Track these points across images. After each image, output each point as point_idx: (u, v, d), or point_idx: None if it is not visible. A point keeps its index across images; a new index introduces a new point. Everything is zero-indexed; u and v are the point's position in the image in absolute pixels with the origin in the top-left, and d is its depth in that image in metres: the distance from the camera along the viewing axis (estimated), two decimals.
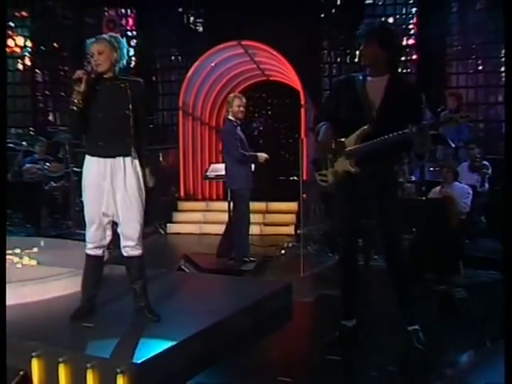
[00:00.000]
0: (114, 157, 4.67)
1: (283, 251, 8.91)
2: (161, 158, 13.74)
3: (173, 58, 16.45)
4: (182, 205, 11.77)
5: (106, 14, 15.12)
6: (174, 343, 4.35)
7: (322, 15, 15.21)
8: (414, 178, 9.30)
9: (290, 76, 11.58)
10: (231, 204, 8.09)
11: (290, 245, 9.11)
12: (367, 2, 15.15)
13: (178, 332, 4.56)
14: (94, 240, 4.85)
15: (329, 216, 8.65)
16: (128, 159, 4.71)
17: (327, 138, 4.69)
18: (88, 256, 4.91)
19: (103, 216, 4.77)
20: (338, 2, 15.15)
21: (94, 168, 4.71)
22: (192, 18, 16.20)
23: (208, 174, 9.62)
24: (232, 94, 8.27)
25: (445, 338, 5.13)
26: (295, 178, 10.06)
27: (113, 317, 4.93)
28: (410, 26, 14.96)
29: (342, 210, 4.87)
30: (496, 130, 13.75)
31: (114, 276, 6.42)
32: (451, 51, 14.57)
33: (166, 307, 5.05)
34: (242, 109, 7.81)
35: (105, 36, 4.81)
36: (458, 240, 7.40)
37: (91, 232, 4.83)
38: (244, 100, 7.90)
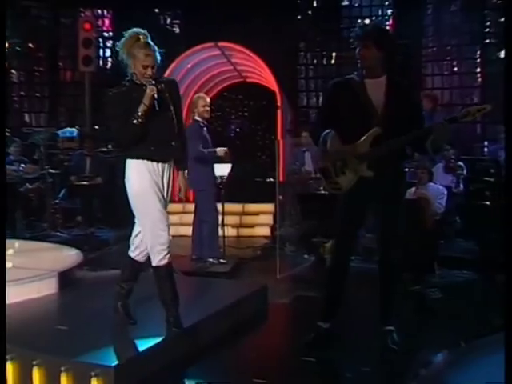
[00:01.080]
0: (164, 161, 4.63)
1: (259, 253, 8.93)
2: None
3: None
4: None
5: (82, 14, 15.01)
6: (149, 346, 4.36)
7: (299, 17, 15.26)
8: None
9: (266, 77, 11.60)
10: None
11: (267, 246, 9.14)
12: (343, 3, 15.24)
13: (154, 335, 4.56)
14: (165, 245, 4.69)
15: (305, 217, 8.70)
16: (168, 164, 4.68)
17: (335, 146, 4.60)
18: (161, 268, 4.74)
19: (165, 218, 4.68)
20: (315, 4, 15.22)
21: (146, 173, 4.61)
22: (169, 19, 16.18)
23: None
24: (196, 95, 8.38)
25: (419, 338, 5.18)
26: (272, 179, 10.09)
27: (88, 319, 4.92)
28: (386, 28, 15.07)
29: (347, 213, 4.82)
30: (471, 131, 13.86)
31: (90, 277, 6.42)
32: (427, 52, 14.67)
33: (141, 310, 5.05)
34: (207, 108, 7.90)
35: (151, 46, 4.61)
36: (432, 240, 7.47)
37: (160, 239, 4.66)
38: (208, 100, 8.04)
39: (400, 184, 4.89)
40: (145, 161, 4.60)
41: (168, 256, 4.71)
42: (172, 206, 11.60)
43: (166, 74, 11.81)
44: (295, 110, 13.62)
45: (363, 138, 4.59)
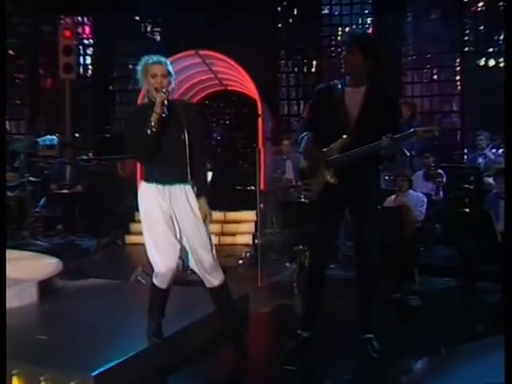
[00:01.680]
0: (171, 183, 4.59)
1: (241, 261, 8.92)
2: (118, 168, 13.66)
3: (130, 66, 16.37)
4: (139, 215, 11.68)
5: (63, 21, 14.98)
6: (130, 355, 4.35)
7: (280, 25, 15.33)
8: None
9: (247, 86, 11.62)
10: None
11: (248, 255, 9.13)
12: (324, 12, 15.31)
13: (135, 344, 4.55)
14: (164, 271, 4.69)
15: (286, 225, 8.70)
16: (188, 186, 4.63)
17: (309, 148, 4.77)
18: (155, 288, 4.77)
19: (168, 245, 4.65)
20: (295, 12, 15.28)
21: (152, 196, 4.61)
22: (149, 27, 16.18)
23: None
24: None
25: (400, 345, 5.19)
26: (253, 187, 10.10)
27: (68, 329, 4.90)
28: None
29: (319, 219, 4.89)
30: (451, 138, 13.97)
31: (70, 286, 6.39)
32: (406, 60, 14.78)
33: (121, 319, 5.04)
34: None
35: (161, 58, 4.60)
36: (412, 248, 7.48)
37: (161, 262, 4.67)
38: None
39: (370, 192, 4.88)
40: (150, 183, 4.62)
41: (165, 280, 4.74)
42: None
43: None
44: (276, 118, 13.66)
45: (332, 145, 4.71)
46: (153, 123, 4.41)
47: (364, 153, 4.60)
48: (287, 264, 8.39)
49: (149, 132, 4.41)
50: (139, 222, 12.35)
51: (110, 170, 13.26)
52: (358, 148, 4.60)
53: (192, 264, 4.78)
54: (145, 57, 4.62)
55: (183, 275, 7.71)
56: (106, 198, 11.80)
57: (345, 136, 4.65)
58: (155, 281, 4.76)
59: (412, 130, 4.63)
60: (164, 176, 4.58)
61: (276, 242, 9.21)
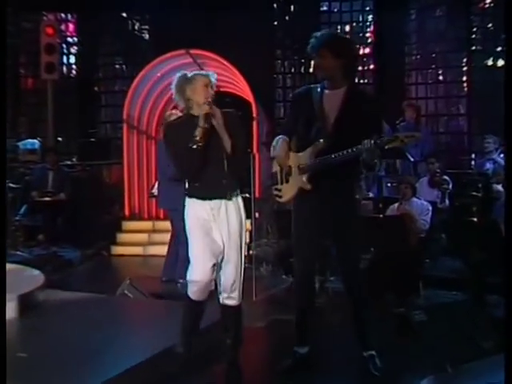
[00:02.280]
0: (211, 199, 4.70)
1: None
2: (104, 174, 13.66)
3: (117, 66, 16.39)
4: (127, 225, 11.69)
5: (45, 18, 14.98)
6: (118, 372, 4.34)
7: (275, 23, 15.35)
8: (371, 195, 9.40)
9: (241, 87, 11.63)
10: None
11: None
12: (322, 9, 15.33)
13: (123, 360, 4.55)
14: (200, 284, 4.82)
15: (282, 235, 8.69)
16: (230, 199, 4.74)
17: (282, 152, 4.75)
18: (190, 300, 4.89)
19: (211, 257, 4.76)
20: (292, 9, 15.30)
21: (194, 211, 4.73)
22: (137, 25, 16.19)
23: (154, 191, 9.61)
24: (168, 112, 8.40)
25: (403, 363, 5.19)
26: (247, 195, 10.09)
27: (49, 346, 4.90)
28: (367, 34, 15.17)
29: (298, 228, 4.90)
30: (457, 142, 13.99)
31: (53, 300, 6.38)
32: (410, 60, 14.79)
33: (107, 336, 5.03)
34: None
35: (208, 71, 4.87)
36: (417, 259, 7.49)
37: (198, 275, 4.80)
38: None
39: (346, 200, 4.86)
40: (194, 199, 4.74)
41: (201, 294, 4.86)
42: (141, 224, 11.70)
43: (133, 84, 11.85)
44: (272, 122, 13.67)
45: (307, 150, 4.74)
46: (198, 137, 4.51)
47: (341, 158, 4.58)
48: (284, 276, 8.38)
49: (194, 146, 4.51)
50: (126, 231, 12.39)
51: (95, 176, 13.27)
52: (334, 153, 4.60)
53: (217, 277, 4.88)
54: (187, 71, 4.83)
55: (174, 288, 7.75)
56: (91, 206, 11.80)
57: (321, 140, 4.67)
58: (191, 294, 4.86)
59: (394, 135, 4.65)
60: (205, 191, 4.71)
61: (272, 253, 9.20)
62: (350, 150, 4.54)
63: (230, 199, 4.75)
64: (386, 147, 4.48)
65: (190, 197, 4.77)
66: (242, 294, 4.93)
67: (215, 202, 4.72)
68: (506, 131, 4.10)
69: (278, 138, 4.82)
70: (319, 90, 4.82)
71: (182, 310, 4.94)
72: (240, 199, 4.86)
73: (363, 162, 4.58)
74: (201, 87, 4.64)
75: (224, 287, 4.84)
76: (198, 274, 4.78)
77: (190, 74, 4.74)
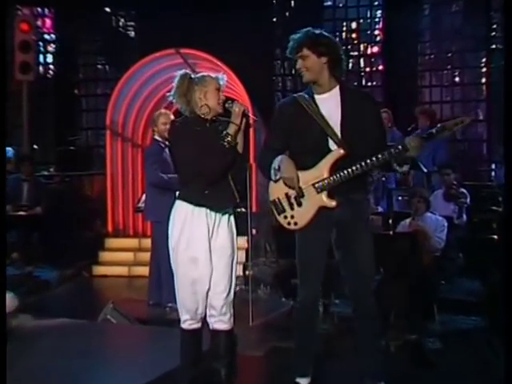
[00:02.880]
0: (220, 210, 4.84)
1: None
2: (85, 186, 13.68)
3: (99, 67, 16.46)
4: (110, 242, 11.69)
5: (19, 12, 15.02)
6: None
7: (274, 20, 15.40)
8: (380, 209, 9.40)
9: (236, 90, 11.66)
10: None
11: (238, 288, 9.13)
12: (326, 3, 15.37)
13: None
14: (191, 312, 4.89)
15: (282, 254, 8.71)
16: (228, 213, 4.90)
17: (293, 173, 4.67)
18: (184, 331, 4.94)
19: (201, 283, 4.84)
20: (293, 4, 15.35)
21: (191, 221, 4.79)
22: (122, 21, 16.25)
23: (140, 205, 9.62)
24: (157, 111, 8.44)
25: None
26: (243, 209, 10.11)
27: (23, 376, 4.89)
28: (376, 32, 15.23)
29: (305, 247, 4.85)
30: (476, 151, 14.00)
31: (28, 326, 6.38)
32: (423, 60, 14.86)
33: (88, 365, 5.03)
34: (168, 126, 7.91)
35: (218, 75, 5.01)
36: (431, 281, 7.49)
37: (187, 302, 4.87)
38: (171, 116, 8.04)
39: (366, 212, 4.97)
40: (197, 207, 4.80)
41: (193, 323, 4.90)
42: (126, 242, 11.70)
43: (117, 87, 11.88)
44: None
45: (322, 162, 4.68)
46: (230, 135, 4.73)
47: (376, 164, 4.59)
48: (283, 299, 8.39)
49: (227, 145, 4.72)
50: (109, 249, 12.38)
51: (75, 188, 13.29)
52: (354, 160, 4.58)
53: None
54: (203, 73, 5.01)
55: (161, 313, 7.76)
56: (71, 221, 11.80)
57: (336, 149, 4.65)
58: (184, 325, 4.92)
59: (440, 125, 4.61)
60: (211, 200, 4.80)
61: (270, 274, 9.21)
62: (390, 151, 4.54)
63: (227, 212, 4.87)
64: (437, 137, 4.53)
65: (195, 205, 4.80)
66: (233, 317, 4.99)
67: (214, 214, 4.81)
68: (505, 131, 4.14)
69: (279, 157, 4.71)
70: (307, 96, 4.82)
71: (180, 343, 4.95)
72: (232, 212, 4.95)
73: (398, 159, 4.59)
74: (213, 91, 4.84)
75: (213, 310, 4.89)
76: (187, 301, 4.85)
77: (198, 75, 4.93)
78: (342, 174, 4.62)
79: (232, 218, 4.95)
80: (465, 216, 9.17)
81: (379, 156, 4.53)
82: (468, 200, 9.27)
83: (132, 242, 11.73)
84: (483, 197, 9.81)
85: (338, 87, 4.78)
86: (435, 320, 7.16)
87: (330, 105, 4.73)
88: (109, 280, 10.66)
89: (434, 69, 14.75)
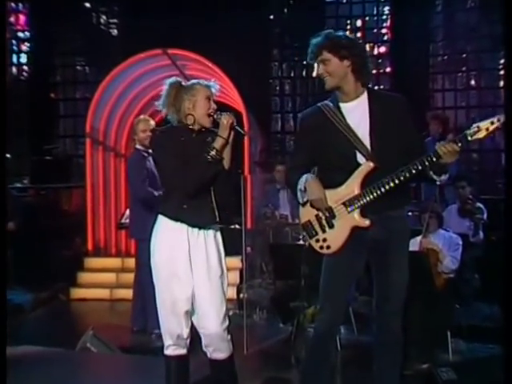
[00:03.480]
0: (199, 226, 4.87)
1: None
2: (62, 200, 13.68)
3: (78, 68, 16.47)
4: (90, 262, 11.69)
5: None
6: None
7: (271, 17, 15.41)
8: None
9: (230, 94, 11.69)
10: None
11: (231, 313, 9.13)
12: None
13: None
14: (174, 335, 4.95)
15: (280, 275, 8.71)
16: (211, 230, 4.93)
17: (320, 193, 4.65)
18: (168, 358, 4.99)
19: (182, 302, 4.87)
20: (291, 0, 15.38)
21: (171, 236, 4.87)
22: (103, 18, 16.28)
23: (124, 221, 9.62)
24: (137, 118, 8.47)
25: None
26: (237, 226, 10.12)
27: None
28: (383, 31, 15.27)
29: (335, 270, 4.82)
30: (493, 162, 14.01)
31: None
32: (435, 62, 14.89)
33: None
34: (148, 134, 7.93)
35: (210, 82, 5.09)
36: (444, 305, 7.50)
37: (170, 325, 4.95)
38: (151, 122, 8.08)
39: (405, 230, 4.90)
40: (176, 222, 4.86)
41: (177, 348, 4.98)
42: (107, 261, 11.69)
43: (100, 88, 11.89)
44: (267, 137, 13.72)
45: (352, 178, 4.64)
46: (216, 149, 4.77)
47: (409, 175, 4.54)
48: (281, 325, 8.40)
49: (210, 159, 4.75)
50: (89, 270, 12.38)
51: (51, 202, 13.28)
52: (387, 174, 4.54)
53: (198, 327, 4.97)
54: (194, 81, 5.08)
55: (146, 341, 7.76)
56: (47, 238, 11.79)
57: (366, 162, 4.61)
58: (168, 350, 4.97)
59: (475, 125, 4.57)
60: (191, 215, 4.84)
61: (267, 297, 9.22)
62: (423, 160, 4.47)
63: (209, 229, 4.89)
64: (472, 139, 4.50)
65: (172, 219, 4.86)
66: (232, 343, 5.03)
67: (196, 231, 4.85)
68: (506, 130, 4.15)
69: (304, 177, 4.69)
70: (332, 105, 4.78)
71: (165, 372, 4.97)
72: (218, 229, 4.99)
73: (434, 168, 4.53)
74: (203, 100, 4.89)
75: (208, 340, 4.93)
76: (169, 323, 4.92)
77: (188, 84, 4.99)
78: (373, 189, 4.58)
79: (218, 234, 4.97)
80: (481, 233, 9.18)
81: (410, 167, 4.48)
82: (485, 216, 9.28)
83: (114, 262, 11.72)
84: (501, 212, 9.79)
85: (365, 93, 4.74)
86: (449, 348, 7.16)
87: (357, 114, 4.69)
88: (88, 304, 10.65)
89: (448, 71, 14.79)
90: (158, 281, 4.90)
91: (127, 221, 9.36)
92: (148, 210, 7.78)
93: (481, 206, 9.34)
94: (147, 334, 7.91)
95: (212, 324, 4.87)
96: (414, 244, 8.08)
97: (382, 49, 15.17)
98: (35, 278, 10.87)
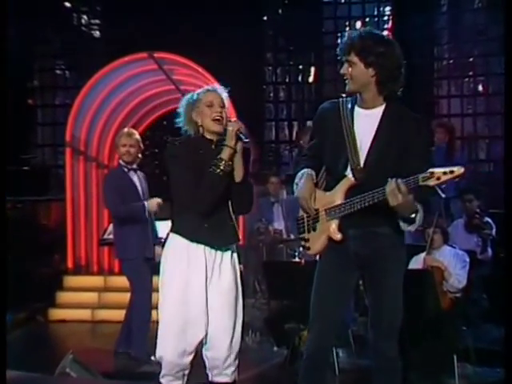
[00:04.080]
0: (218, 246, 4.92)
1: None
2: (40, 214, 13.66)
3: (58, 72, 16.45)
4: (70, 280, 11.67)
5: None
6: None
7: (265, 18, 15.42)
8: None
9: None
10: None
11: None
12: None
13: None
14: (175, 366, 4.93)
15: (274, 295, 8.72)
16: (229, 250, 4.98)
17: (306, 192, 4.72)
18: None
19: (196, 328, 4.88)
20: (286, 1, 15.38)
21: (186, 257, 4.88)
22: (85, 18, 16.27)
23: (106, 236, 9.63)
24: (120, 131, 8.45)
25: None
26: None
27: None
28: (384, 33, 15.25)
29: (321, 283, 4.86)
30: (503, 174, 14.01)
31: None
32: (440, 66, 14.91)
33: None
34: (128, 149, 7.93)
35: (216, 86, 5.21)
36: (450, 327, 7.52)
37: (172, 352, 4.90)
38: (136, 137, 8.03)
39: (393, 248, 4.82)
40: (192, 243, 4.89)
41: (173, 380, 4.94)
42: (89, 280, 11.68)
43: (79, 96, 11.89)
44: (260, 147, 13.73)
45: (338, 186, 4.70)
46: (224, 160, 4.76)
47: (367, 201, 4.52)
48: (275, 348, 8.40)
49: (218, 171, 4.75)
50: (69, 289, 12.35)
51: (28, 216, 13.25)
52: (365, 193, 4.53)
53: (205, 350, 4.98)
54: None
55: (130, 365, 7.75)
56: (24, 255, 11.78)
57: (348, 176, 4.65)
58: (163, 379, 4.95)
59: (429, 171, 4.45)
60: (209, 235, 4.88)
61: (260, 318, 9.22)
62: (375, 192, 4.47)
63: (228, 249, 4.95)
64: (421, 183, 4.38)
65: (190, 240, 4.88)
66: (237, 368, 5.03)
67: (214, 251, 4.90)
68: (506, 131, 4.19)
69: (302, 171, 4.78)
70: (350, 106, 4.79)
71: None
72: (235, 249, 5.03)
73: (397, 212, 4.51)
74: (203, 107, 4.94)
75: (215, 363, 4.94)
76: (173, 350, 4.86)
77: (203, 90, 5.07)
78: (350, 204, 4.60)
79: (235, 255, 5.02)
80: (490, 250, 9.19)
81: (371, 193, 4.48)
82: (493, 231, 9.28)
83: (96, 281, 11.70)
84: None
85: (383, 106, 4.72)
86: (455, 373, 7.17)
87: (366, 124, 4.69)
88: (68, 326, 10.64)
89: (453, 76, 14.80)
90: (166, 304, 4.89)
91: (110, 236, 9.38)
92: (130, 228, 7.80)
93: (489, 220, 9.35)
94: (129, 358, 7.90)
95: (223, 348, 4.90)
96: (418, 261, 8.11)
97: None
98: (11, 297, 10.85)
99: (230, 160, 4.77)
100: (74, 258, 11.92)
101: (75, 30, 16.12)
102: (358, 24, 15.18)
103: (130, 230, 7.83)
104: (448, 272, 7.83)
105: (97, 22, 16.11)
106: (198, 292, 4.83)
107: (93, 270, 12.07)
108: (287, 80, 15.60)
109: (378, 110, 4.71)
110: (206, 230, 4.83)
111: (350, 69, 4.67)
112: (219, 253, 4.89)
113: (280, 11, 15.46)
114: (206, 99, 4.95)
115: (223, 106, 4.97)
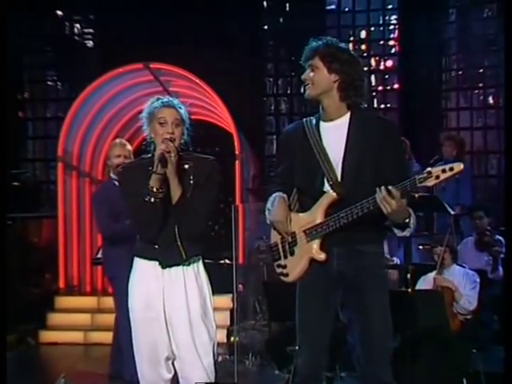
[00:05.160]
0: (170, 265, 4.89)
1: None
2: (31, 231, 13.65)
3: (49, 84, 16.45)
4: (62, 301, 11.66)
5: None
6: None
7: (265, 27, 15.41)
8: (395, 261, 9.40)
9: (219, 114, 11.72)
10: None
11: (220, 358, 9.12)
12: (329, 7, 15.35)
13: None
14: None
15: (275, 316, 8.71)
16: (190, 268, 4.94)
17: (280, 215, 4.78)
18: None
19: (160, 348, 4.89)
20: (288, 9, 15.36)
21: (146, 277, 4.92)
22: (77, 28, 16.26)
23: (100, 256, 9.60)
24: (113, 141, 8.43)
25: None
26: (227, 261, 10.14)
27: None
28: (390, 43, 15.28)
29: (305, 309, 4.91)
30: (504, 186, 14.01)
31: None
32: (449, 77, 14.89)
33: None
34: (122, 160, 7.90)
35: (174, 100, 5.02)
36: (460, 349, 7.50)
37: (146, 372, 4.96)
38: (129, 148, 8.00)
39: (378, 267, 4.90)
40: (146, 261, 4.93)
41: None
42: (81, 301, 11.67)
43: (74, 105, 11.88)
44: (261, 161, 13.72)
45: (313, 207, 4.74)
46: (153, 188, 4.68)
47: (357, 214, 4.55)
48: (277, 372, 8.38)
49: (148, 199, 4.69)
50: (61, 310, 12.35)
51: (18, 233, 13.23)
52: (348, 207, 4.57)
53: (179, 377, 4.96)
54: (153, 99, 4.98)
55: None
56: (13, 275, 11.77)
57: (330, 191, 4.68)
58: None
59: (426, 170, 4.45)
60: (162, 254, 4.88)
61: (261, 340, 9.21)
62: (364, 203, 4.49)
63: (188, 265, 4.92)
64: (419, 185, 4.41)
65: (140, 257, 4.95)
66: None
67: (170, 270, 4.88)
68: (506, 131, 4.19)
69: (273, 195, 4.85)
70: (314, 122, 4.85)
71: None
72: (201, 265, 5.01)
73: (393, 217, 4.52)
74: (155, 124, 4.84)
75: (183, 374, 4.92)
76: (146, 371, 4.93)
77: (158, 103, 4.91)
78: (333, 220, 4.64)
79: (201, 270, 5.00)
80: (501, 269, 9.17)
81: (359, 204, 4.52)
82: (504, 249, 9.27)
83: (89, 302, 11.69)
84: None
85: (348, 114, 4.78)
86: None
87: (333, 136, 4.75)
88: (60, 348, 10.63)
89: (462, 88, 14.77)
90: (134, 324, 4.94)
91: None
92: (119, 247, 7.77)
93: (500, 238, 9.32)
94: (123, 381, 7.88)
95: (192, 373, 4.87)
96: (426, 281, 8.10)
97: (389, 63, 15.11)
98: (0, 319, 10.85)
99: (160, 187, 4.68)
100: (66, 277, 11.92)
101: (67, 39, 16.09)
102: (363, 34, 15.17)
103: (120, 248, 7.82)
104: (458, 293, 7.81)
105: (90, 31, 16.08)
106: (158, 311, 4.84)
107: (85, 291, 12.06)
108: (288, 92, 15.57)
109: (344, 120, 4.79)
110: (158, 250, 4.84)
111: (312, 73, 4.80)
112: (177, 270, 4.86)
113: (281, 20, 15.46)
114: (159, 115, 4.83)
115: (178, 125, 4.85)
